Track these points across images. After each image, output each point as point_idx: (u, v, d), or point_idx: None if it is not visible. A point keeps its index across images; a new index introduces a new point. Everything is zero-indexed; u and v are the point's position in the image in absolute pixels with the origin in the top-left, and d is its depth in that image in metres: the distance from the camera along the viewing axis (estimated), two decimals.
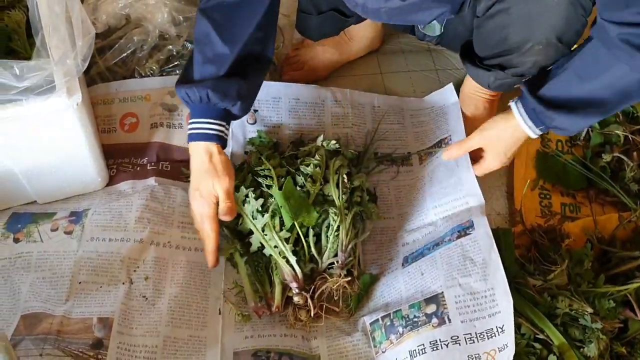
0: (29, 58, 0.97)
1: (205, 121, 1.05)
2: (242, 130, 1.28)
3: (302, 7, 1.32)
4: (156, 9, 1.30)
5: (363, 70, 1.49)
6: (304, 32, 1.39)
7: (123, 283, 1.05)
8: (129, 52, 1.31)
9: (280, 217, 1.08)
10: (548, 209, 1.25)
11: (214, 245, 1.06)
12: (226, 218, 1.06)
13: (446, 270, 1.03)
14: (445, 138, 1.27)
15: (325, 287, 1.06)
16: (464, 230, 1.08)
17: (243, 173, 1.15)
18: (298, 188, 1.10)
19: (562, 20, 0.98)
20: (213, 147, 1.05)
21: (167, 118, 1.29)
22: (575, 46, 1.04)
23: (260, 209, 1.08)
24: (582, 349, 1.00)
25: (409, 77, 1.50)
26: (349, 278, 1.07)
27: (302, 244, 1.08)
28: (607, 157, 1.29)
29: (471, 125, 1.22)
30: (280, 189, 1.08)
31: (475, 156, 1.17)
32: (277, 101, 1.32)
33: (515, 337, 1.01)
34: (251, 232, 1.09)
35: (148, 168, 1.22)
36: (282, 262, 1.06)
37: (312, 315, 1.05)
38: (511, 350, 0.93)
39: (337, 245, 1.08)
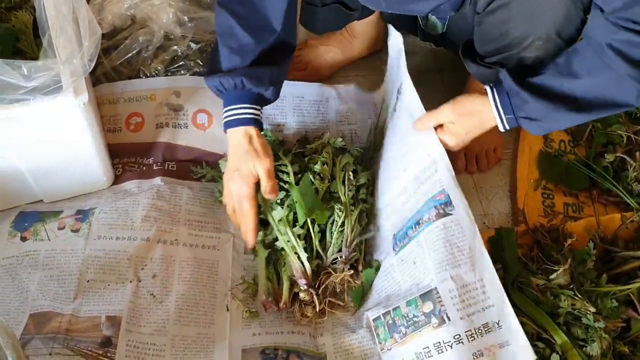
0: (35, 58, 0.98)
1: (241, 106, 1.08)
2: None
3: None
4: (161, 9, 1.31)
5: (366, 71, 1.50)
6: (307, 24, 1.38)
7: (131, 281, 1.06)
8: (134, 52, 1.32)
9: (294, 213, 1.09)
10: (551, 209, 1.25)
11: (253, 225, 1.09)
12: (270, 196, 1.09)
13: (435, 261, 1.00)
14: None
15: (329, 282, 1.07)
16: (441, 206, 1.03)
17: None
18: None
19: (562, 16, 0.98)
20: (252, 130, 1.09)
21: (172, 118, 1.30)
22: None
23: (279, 201, 1.10)
24: (584, 348, 1.00)
25: (412, 77, 1.50)
26: (352, 272, 1.08)
27: (310, 241, 1.10)
28: (609, 157, 1.29)
29: None
30: (297, 184, 1.10)
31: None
32: (281, 100, 1.33)
33: None
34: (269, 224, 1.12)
35: (154, 168, 1.23)
36: (293, 257, 1.07)
37: (317, 310, 1.06)
38: (521, 350, 0.91)
39: (342, 241, 1.09)
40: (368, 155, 1.28)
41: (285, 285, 1.07)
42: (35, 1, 1.03)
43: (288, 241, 1.08)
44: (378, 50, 1.54)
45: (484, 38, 1.11)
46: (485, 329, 0.94)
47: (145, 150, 1.26)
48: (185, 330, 1.04)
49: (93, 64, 0.99)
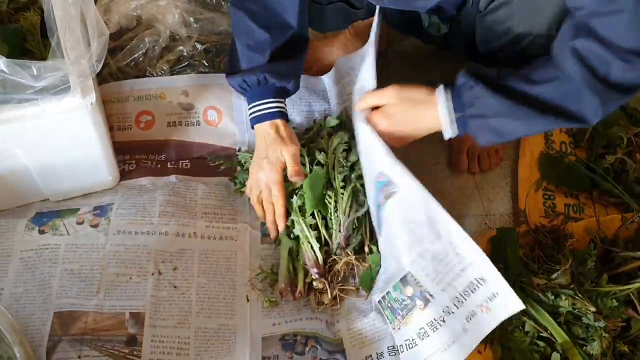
0: (42, 58, 0.99)
1: (266, 101, 1.12)
2: None
3: None
4: (167, 10, 1.32)
5: None
6: (313, 23, 1.39)
7: (152, 274, 1.08)
8: (140, 52, 1.33)
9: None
10: (552, 210, 1.26)
11: (283, 209, 1.12)
12: (297, 178, 1.11)
13: (401, 244, 1.01)
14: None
15: (335, 269, 1.09)
16: (384, 187, 1.02)
17: None
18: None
19: (563, 11, 0.99)
20: (278, 122, 1.13)
21: (185, 117, 1.31)
22: None
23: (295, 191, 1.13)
24: (585, 347, 1.01)
25: (414, 79, 1.51)
26: (354, 256, 1.10)
27: (319, 230, 1.12)
28: (610, 159, 1.30)
29: None
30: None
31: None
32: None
33: (520, 335, 1.03)
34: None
35: (168, 166, 1.26)
36: (307, 246, 1.10)
37: (330, 297, 1.09)
38: (507, 295, 0.89)
39: (339, 226, 1.11)
40: None
41: (300, 274, 1.10)
42: (43, 3, 1.04)
43: (302, 231, 1.11)
44: (381, 52, 1.55)
45: (486, 37, 1.12)
46: (470, 289, 0.93)
47: (157, 147, 1.28)
48: (208, 322, 1.05)
49: (101, 65, 0.99)
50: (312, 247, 1.10)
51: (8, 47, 1.01)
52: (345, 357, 1.05)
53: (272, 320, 1.08)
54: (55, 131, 1.05)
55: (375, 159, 1.05)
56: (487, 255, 1.13)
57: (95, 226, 1.12)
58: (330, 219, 1.13)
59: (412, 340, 0.99)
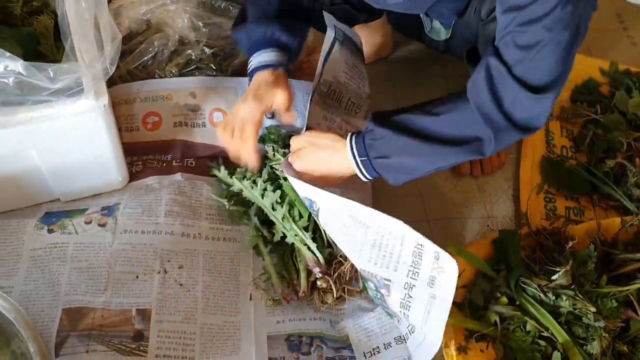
0: (56, 61, 1.00)
1: (270, 50, 1.13)
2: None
3: None
4: (177, 14, 1.33)
5: (372, 77, 1.52)
6: (315, 23, 1.42)
7: (158, 272, 1.09)
8: (149, 56, 1.34)
9: (297, 208, 1.12)
10: (553, 212, 1.28)
11: (253, 147, 1.12)
12: (287, 116, 1.14)
13: (346, 251, 1.03)
14: None
15: (340, 270, 1.10)
16: (311, 208, 1.05)
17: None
18: None
19: None
20: (281, 72, 1.13)
21: (191, 118, 1.33)
22: None
23: (279, 200, 1.12)
24: (585, 347, 1.02)
25: (418, 84, 1.53)
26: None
27: (319, 231, 1.13)
28: (610, 163, 1.32)
29: None
30: None
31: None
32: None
33: (521, 335, 1.05)
34: (273, 223, 1.14)
35: (173, 164, 1.27)
36: (304, 249, 1.10)
37: (335, 297, 1.10)
38: (445, 255, 0.89)
39: None
40: None
41: (302, 274, 1.11)
42: (57, 7, 1.06)
43: (296, 235, 1.11)
44: (384, 57, 1.57)
45: (487, 43, 1.13)
46: (417, 258, 0.93)
47: (163, 148, 1.29)
48: (213, 318, 1.07)
49: (114, 68, 1.01)
50: (309, 248, 1.11)
51: (22, 50, 1.02)
52: (352, 350, 1.07)
53: (275, 318, 1.10)
54: (69, 133, 1.06)
55: (296, 188, 1.08)
56: (490, 256, 1.16)
57: (102, 225, 1.14)
58: None
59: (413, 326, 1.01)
